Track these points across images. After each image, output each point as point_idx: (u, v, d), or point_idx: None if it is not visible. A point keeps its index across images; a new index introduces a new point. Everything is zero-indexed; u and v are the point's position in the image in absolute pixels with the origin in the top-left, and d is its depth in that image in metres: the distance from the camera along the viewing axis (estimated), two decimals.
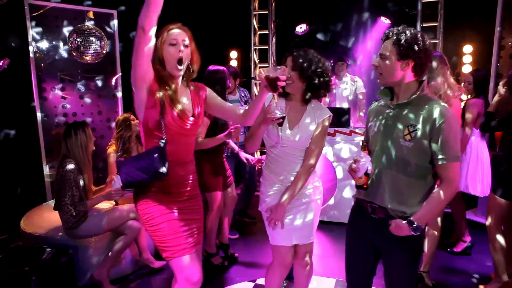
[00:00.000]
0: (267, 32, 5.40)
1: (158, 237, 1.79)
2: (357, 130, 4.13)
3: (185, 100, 1.86)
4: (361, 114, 4.96)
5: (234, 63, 5.36)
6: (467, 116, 3.23)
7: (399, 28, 1.69)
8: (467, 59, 4.63)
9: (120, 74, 4.46)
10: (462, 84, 3.43)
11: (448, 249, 3.54)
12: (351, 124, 4.27)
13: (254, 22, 5.43)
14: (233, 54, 5.38)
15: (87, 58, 3.32)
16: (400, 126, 1.69)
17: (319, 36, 5.68)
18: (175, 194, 1.84)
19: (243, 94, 4.15)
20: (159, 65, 1.76)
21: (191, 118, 1.83)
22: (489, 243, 2.82)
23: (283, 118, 1.83)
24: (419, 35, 1.66)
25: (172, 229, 1.79)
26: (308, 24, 5.37)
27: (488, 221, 2.82)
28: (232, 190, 3.39)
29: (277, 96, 1.85)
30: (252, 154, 3.76)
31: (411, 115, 1.68)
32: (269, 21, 5.35)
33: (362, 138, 4.03)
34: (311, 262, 2.28)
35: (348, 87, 4.77)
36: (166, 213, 1.80)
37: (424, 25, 4.74)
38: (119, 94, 4.50)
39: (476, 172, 3.25)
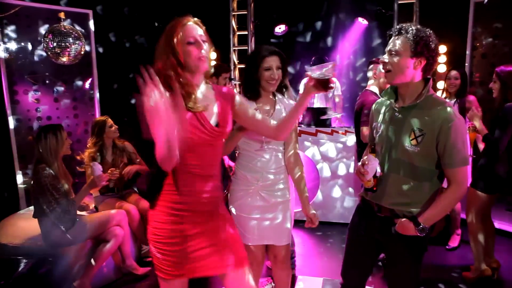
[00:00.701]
0: (246, 32, 5.38)
1: (156, 259, 1.61)
2: (338, 130, 4.16)
3: (207, 104, 1.60)
4: (338, 116, 5.01)
5: (213, 64, 5.30)
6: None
7: (411, 25, 1.64)
8: (442, 59, 4.75)
9: (96, 76, 4.33)
10: (448, 81, 3.46)
11: (446, 247, 3.61)
12: (332, 124, 4.31)
13: (233, 23, 5.40)
14: (212, 55, 5.32)
15: (64, 59, 3.20)
16: (406, 131, 1.65)
17: (299, 36, 5.72)
18: (190, 213, 1.58)
19: None
20: (174, 70, 1.53)
21: (215, 127, 1.59)
22: (470, 236, 2.92)
23: None
24: (432, 33, 1.63)
25: (174, 257, 1.57)
26: (287, 24, 5.38)
27: (469, 215, 2.91)
28: None
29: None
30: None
31: (418, 119, 1.64)
32: (248, 22, 5.33)
33: (345, 137, 4.14)
34: (289, 265, 2.28)
35: None
36: (174, 239, 1.56)
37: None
38: (97, 96, 4.36)
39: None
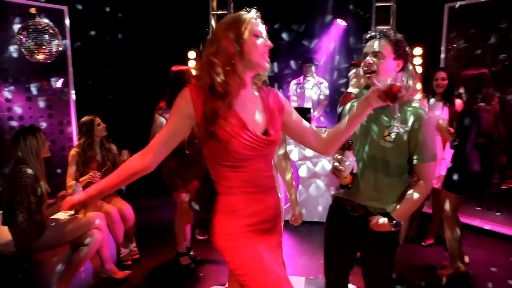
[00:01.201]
0: None
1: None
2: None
3: (253, 110, 1.45)
4: (322, 119, 5.07)
5: (192, 64, 5.25)
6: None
7: (387, 29, 1.72)
8: (417, 61, 4.88)
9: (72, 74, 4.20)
10: (435, 82, 3.42)
11: (422, 243, 3.71)
12: (314, 124, 4.35)
13: (213, 22, 5.36)
14: (192, 54, 5.26)
15: (40, 57, 3.07)
16: (380, 127, 1.72)
17: (280, 37, 5.74)
18: (255, 232, 1.46)
19: None
20: (230, 58, 1.36)
21: (263, 135, 1.42)
22: (446, 235, 3.01)
23: None
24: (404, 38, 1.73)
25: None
26: (267, 24, 5.38)
27: (445, 214, 3.01)
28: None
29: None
30: None
31: (392, 116, 1.68)
32: None
33: None
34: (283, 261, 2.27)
35: (314, 88, 4.85)
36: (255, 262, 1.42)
37: (378, 27, 4.94)
38: (72, 95, 4.23)
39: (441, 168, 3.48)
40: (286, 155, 2.14)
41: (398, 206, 1.72)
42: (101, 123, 3.27)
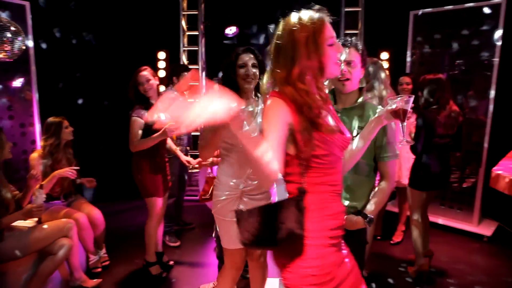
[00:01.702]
0: (196, 33, 5.29)
1: None
2: None
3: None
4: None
5: (162, 64, 5.15)
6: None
7: (355, 37, 1.82)
8: (384, 65, 5.05)
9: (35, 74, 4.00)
10: (400, 87, 3.65)
11: (391, 242, 3.83)
12: None
13: (183, 23, 5.29)
14: (161, 55, 5.16)
15: (0, 55, 2.90)
16: (349, 129, 1.78)
17: (253, 38, 5.75)
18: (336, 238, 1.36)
19: None
20: (313, 74, 1.29)
21: (347, 136, 1.39)
22: (412, 232, 3.14)
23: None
24: None
25: None
26: (239, 26, 5.38)
27: (411, 212, 3.15)
28: (167, 197, 3.22)
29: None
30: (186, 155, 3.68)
31: (358, 118, 1.82)
32: (199, 22, 5.24)
33: None
34: (266, 262, 2.29)
35: None
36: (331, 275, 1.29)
37: (346, 32, 5.07)
38: (35, 96, 4.02)
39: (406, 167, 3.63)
40: None
41: (369, 203, 1.81)
42: (69, 126, 3.15)
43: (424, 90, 3.07)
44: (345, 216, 1.77)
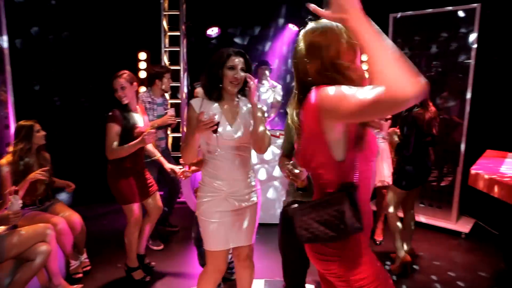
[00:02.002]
0: (178, 33, 5.24)
1: None
2: (271, 132, 4.25)
3: None
4: (276, 119, 5.13)
5: (143, 65, 5.07)
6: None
7: None
8: (364, 67, 5.12)
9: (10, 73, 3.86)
10: None
11: (376, 242, 3.89)
12: (268, 127, 4.39)
13: (164, 23, 5.22)
14: (142, 55, 5.08)
15: None
16: None
17: (237, 39, 5.74)
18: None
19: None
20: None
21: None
22: (391, 227, 3.24)
23: (218, 123, 1.87)
24: None
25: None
26: (220, 27, 5.36)
27: (390, 209, 3.23)
28: (156, 200, 3.18)
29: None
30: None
31: None
32: (180, 23, 5.19)
33: (281, 140, 4.23)
34: (253, 263, 2.28)
35: (268, 91, 4.90)
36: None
37: None
38: (11, 97, 3.89)
39: (388, 167, 3.75)
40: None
41: None
42: (41, 130, 3.02)
43: None
44: None
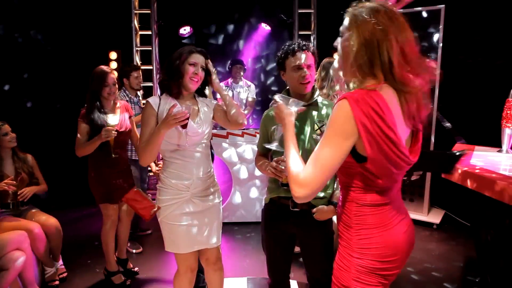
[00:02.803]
0: (149, 32, 5.14)
1: None
2: (247, 131, 4.28)
3: None
4: (250, 121, 5.15)
5: (114, 65, 4.95)
6: None
7: (305, 42, 1.94)
8: (337, 65, 5.24)
9: None
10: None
11: None
12: None
13: (135, 22, 5.12)
14: (113, 55, 4.96)
15: None
16: (310, 124, 1.92)
17: (211, 38, 5.71)
18: None
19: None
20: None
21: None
22: None
23: (188, 118, 1.86)
24: None
25: None
26: (193, 26, 5.32)
27: None
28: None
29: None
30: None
31: (317, 114, 1.93)
32: (152, 22, 5.11)
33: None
34: (221, 266, 2.29)
35: (243, 90, 4.90)
36: None
37: (300, 33, 5.20)
38: None
39: None
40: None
41: (334, 193, 1.93)
42: (9, 133, 2.90)
43: None
44: (317, 207, 1.88)
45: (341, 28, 1.26)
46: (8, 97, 4.40)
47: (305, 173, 1.14)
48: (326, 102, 1.99)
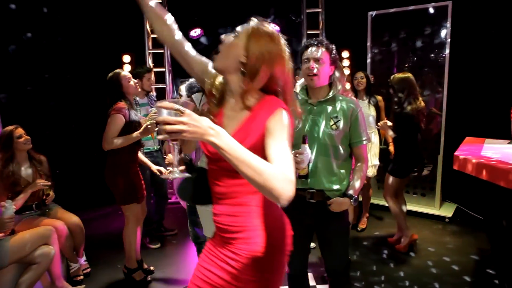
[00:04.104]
0: None
1: None
2: None
3: None
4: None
5: (127, 68, 5.05)
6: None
7: (323, 39, 2.03)
8: (345, 63, 5.31)
9: None
10: (355, 81, 3.98)
11: (358, 229, 4.05)
12: None
13: (147, 25, 5.22)
14: (126, 58, 5.07)
15: None
16: (326, 118, 1.99)
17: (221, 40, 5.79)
18: None
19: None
20: None
21: None
22: (396, 213, 3.51)
23: None
24: None
25: None
26: (202, 28, 5.42)
27: (388, 196, 3.50)
28: (143, 204, 3.18)
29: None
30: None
31: (333, 109, 2.00)
32: None
33: None
34: None
35: None
36: None
37: (308, 32, 5.27)
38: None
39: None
40: None
41: (352, 184, 1.99)
42: (23, 136, 2.90)
43: (394, 88, 3.38)
44: (332, 199, 1.96)
45: None
46: (28, 99, 4.53)
47: (289, 171, 1.14)
48: (341, 98, 2.05)
